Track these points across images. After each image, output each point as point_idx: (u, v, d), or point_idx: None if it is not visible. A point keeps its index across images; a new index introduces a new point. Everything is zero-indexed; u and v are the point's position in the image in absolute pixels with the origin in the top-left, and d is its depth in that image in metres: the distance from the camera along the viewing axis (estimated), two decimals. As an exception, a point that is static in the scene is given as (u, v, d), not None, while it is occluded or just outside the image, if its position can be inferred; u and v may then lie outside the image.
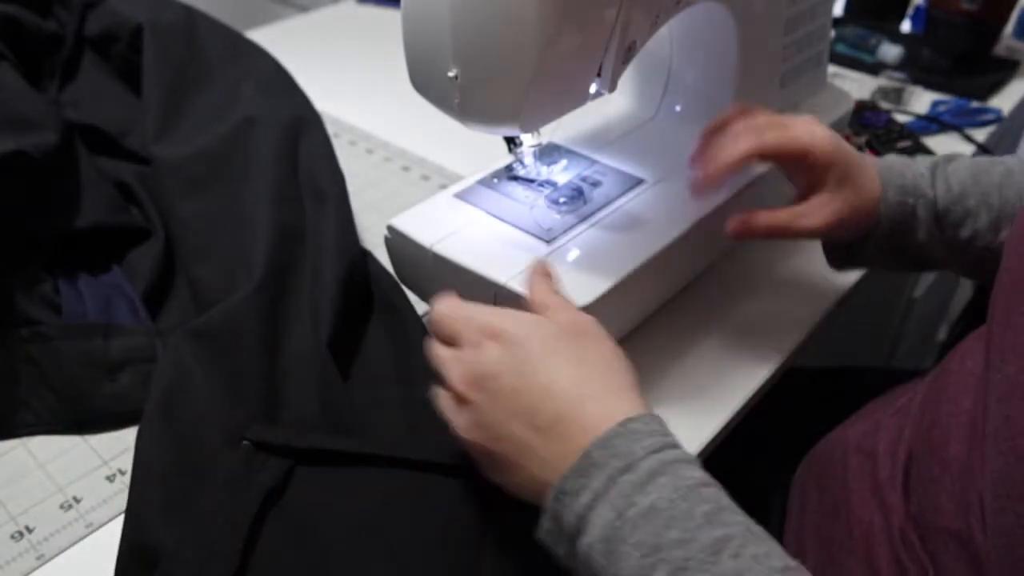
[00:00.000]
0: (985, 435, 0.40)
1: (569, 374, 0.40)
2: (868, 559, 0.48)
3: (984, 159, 0.58)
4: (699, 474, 0.37)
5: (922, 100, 1.02)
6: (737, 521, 0.36)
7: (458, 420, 0.42)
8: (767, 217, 0.57)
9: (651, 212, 0.62)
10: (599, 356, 0.42)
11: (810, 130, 0.55)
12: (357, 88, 1.06)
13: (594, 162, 0.68)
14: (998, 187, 0.56)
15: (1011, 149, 1.17)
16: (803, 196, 0.58)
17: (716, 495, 0.37)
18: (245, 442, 0.49)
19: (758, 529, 0.36)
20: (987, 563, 0.39)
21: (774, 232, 0.57)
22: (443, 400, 0.43)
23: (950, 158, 0.58)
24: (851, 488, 0.52)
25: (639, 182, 0.65)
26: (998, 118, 0.97)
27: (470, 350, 0.42)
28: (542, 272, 0.48)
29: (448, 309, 0.45)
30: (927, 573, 0.44)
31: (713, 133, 0.59)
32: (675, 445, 0.38)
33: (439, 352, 0.44)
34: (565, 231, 0.59)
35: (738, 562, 0.33)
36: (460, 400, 0.42)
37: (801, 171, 0.56)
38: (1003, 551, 0.38)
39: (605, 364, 0.41)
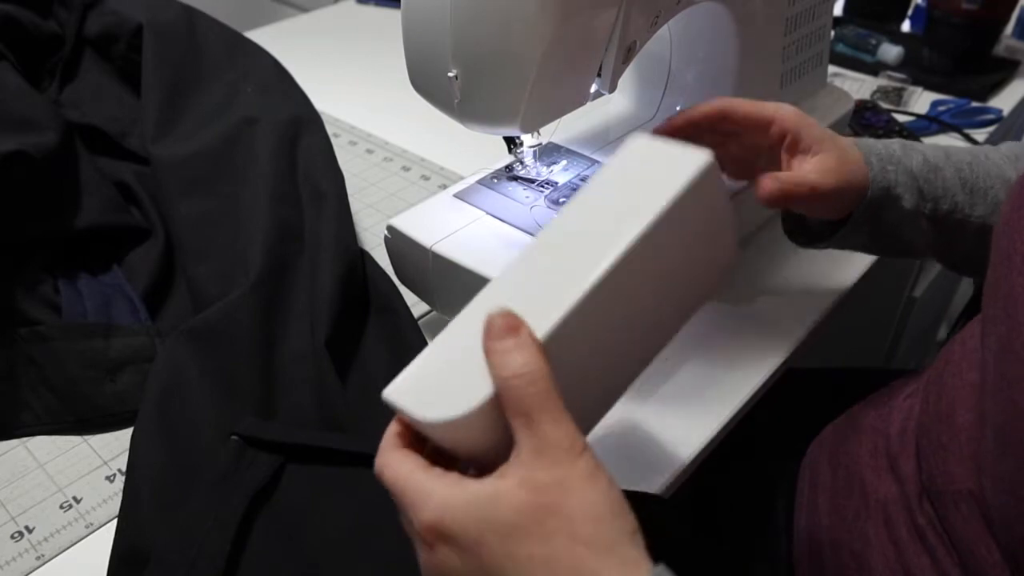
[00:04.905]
0: (986, 393, 0.44)
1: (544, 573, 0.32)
2: (887, 525, 0.51)
3: (951, 147, 0.60)
4: None
5: (922, 100, 1.02)
6: None
7: None
8: (775, 180, 0.53)
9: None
10: (571, 539, 0.32)
11: (776, 105, 0.55)
12: (357, 88, 1.06)
13: (594, 162, 0.68)
14: (968, 164, 0.58)
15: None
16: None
17: None
18: (234, 437, 0.49)
19: None
20: (994, 515, 0.42)
21: (787, 193, 0.53)
22: None
23: (913, 143, 0.60)
24: (865, 464, 0.55)
25: (639, 182, 0.65)
26: (998, 118, 0.97)
27: (427, 553, 0.34)
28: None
29: (389, 476, 0.36)
30: (941, 536, 0.47)
31: (683, 126, 0.57)
32: None
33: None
34: (565, 231, 0.59)
35: None
36: None
37: (773, 143, 0.55)
38: (1005, 494, 0.41)
39: (584, 542, 0.32)
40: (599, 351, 0.39)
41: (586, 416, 0.40)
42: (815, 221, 0.62)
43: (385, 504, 0.47)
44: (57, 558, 0.49)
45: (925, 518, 0.48)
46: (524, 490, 0.32)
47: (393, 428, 0.38)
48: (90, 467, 0.55)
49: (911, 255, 0.62)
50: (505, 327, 0.34)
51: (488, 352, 0.34)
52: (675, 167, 0.40)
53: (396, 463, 0.36)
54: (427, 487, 0.34)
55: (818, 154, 0.54)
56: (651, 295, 0.40)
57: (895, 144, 0.58)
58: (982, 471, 0.43)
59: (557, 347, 0.35)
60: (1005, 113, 0.98)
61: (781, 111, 0.55)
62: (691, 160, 0.40)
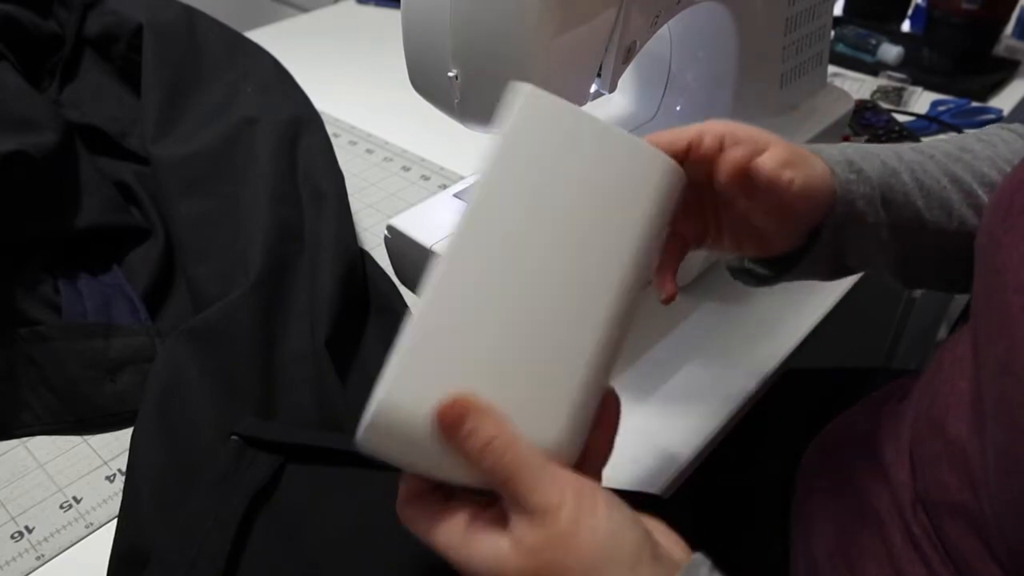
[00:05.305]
0: (985, 411, 0.42)
1: None
2: (881, 534, 0.50)
3: (900, 146, 0.55)
4: None
5: (922, 100, 1.02)
6: None
7: None
8: (729, 159, 0.45)
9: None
10: None
11: (699, 124, 0.47)
12: (357, 88, 1.06)
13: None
14: (920, 164, 0.53)
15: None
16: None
17: None
18: (234, 437, 0.49)
19: None
20: (991, 532, 0.41)
21: (738, 173, 0.45)
22: None
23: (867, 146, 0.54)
24: (859, 469, 0.54)
25: (639, 182, 0.65)
26: (998, 118, 0.97)
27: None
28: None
29: (414, 530, 0.38)
30: (936, 546, 0.46)
31: None
32: None
33: None
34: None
35: None
36: None
37: (711, 156, 0.47)
38: (1010, 518, 0.40)
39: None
40: (524, 309, 0.36)
41: (558, 398, 0.36)
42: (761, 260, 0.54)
43: (385, 504, 0.48)
44: (57, 558, 0.49)
45: (920, 528, 0.48)
46: (519, 555, 0.34)
47: (401, 485, 0.39)
48: (90, 467, 0.55)
49: (860, 271, 0.57)
50: (455, 417, 0.34)
51: (453, 446, 0.35)
52: (509, 107, 0.39)
53: (411, 520, 0.38)
54: (442, 543, 0.36)
55: (766, 149, 0.46)
56: (553, 239, 0.37)
57: (850, 148, 0.52)
58: (979, 488, 0.42)
59: (457, 324, 0.35)
60: (1005, 113, 0.98)
61: (707, 124, 0.47)
62: (516, 94, 0.39)
